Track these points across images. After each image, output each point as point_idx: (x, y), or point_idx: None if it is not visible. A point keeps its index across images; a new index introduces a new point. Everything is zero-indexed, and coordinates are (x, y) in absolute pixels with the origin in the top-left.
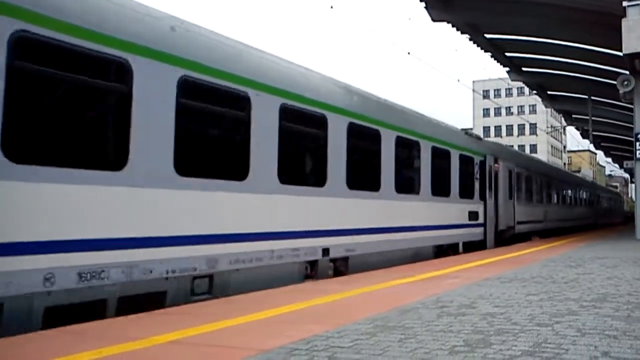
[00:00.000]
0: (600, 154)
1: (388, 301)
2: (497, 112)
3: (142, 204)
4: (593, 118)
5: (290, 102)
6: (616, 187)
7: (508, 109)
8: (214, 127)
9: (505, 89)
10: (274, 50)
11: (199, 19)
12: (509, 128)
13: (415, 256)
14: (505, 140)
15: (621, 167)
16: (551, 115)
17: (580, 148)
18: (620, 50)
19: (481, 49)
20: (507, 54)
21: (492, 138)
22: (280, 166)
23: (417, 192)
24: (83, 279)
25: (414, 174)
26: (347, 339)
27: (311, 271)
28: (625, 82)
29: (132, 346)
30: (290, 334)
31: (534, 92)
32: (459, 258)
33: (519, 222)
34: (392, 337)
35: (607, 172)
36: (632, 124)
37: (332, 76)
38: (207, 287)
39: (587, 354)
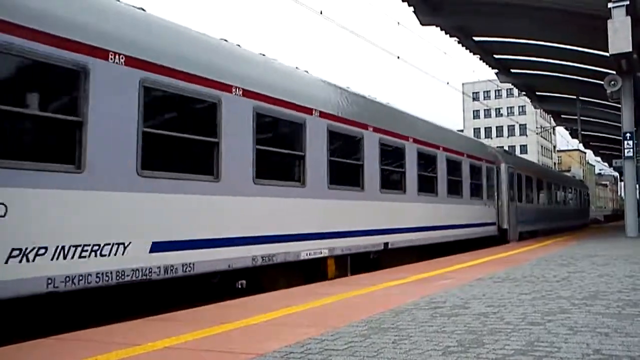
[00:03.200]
0: (589, 153)
1: (382, 303)
2: (487, 114)
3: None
4: (582, 118)
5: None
6: (606, 185)
7: (498, 110)
8: None
9: (495, 91)
10: (266, 54)
11: (190, 21)
12: (499, 129)
13: None
14: (495, 142)
15: (610, 165)
16: (540, 116)
17: (570, 148)
18: (607, 51)
19: (470, 51)
20: (496, 56)
21: (482, 139)
22: None
23: None
24: None
25: None
26: (341, 341)
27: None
28: (613, 82)
29: (129, 352)
30: (286, 337)
31: (523, 93)
32: (453, 259)
33: None
34: (386, 339)
35: (597, 171)
36: (620, 123)
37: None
38: None
39: (579, 351)
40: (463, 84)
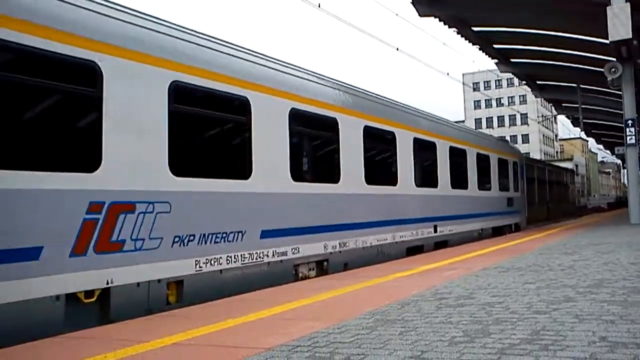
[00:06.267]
0: (591, 141)
1: (387, 295)
2: (488, 104)
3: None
4: (583, 106)
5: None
6: (609, 172)
7: (498, 100)
8: None
9: (495, 81)
10: (264, 49)
11: (187, 19)
12: (501, 119)
13: None
14: (497, 132)
15: (613, 153)
16: (542, 105)
17: (572, 136)
18: (607, 38)
19: (469, 42)
20: (495, 46)
21: (484, 129)
22: None
23: None
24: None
25: None
26: (348, 334)
27: None
28: (613, 69)
29: (137, 349)
30: (292, 331)
31: (523, 82)
32: (458, 249)
33: None
34: (393, 331)
35: (600, 159)
36: (622, 110)
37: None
38: None
39: (586, 339)
40: (463, 75)
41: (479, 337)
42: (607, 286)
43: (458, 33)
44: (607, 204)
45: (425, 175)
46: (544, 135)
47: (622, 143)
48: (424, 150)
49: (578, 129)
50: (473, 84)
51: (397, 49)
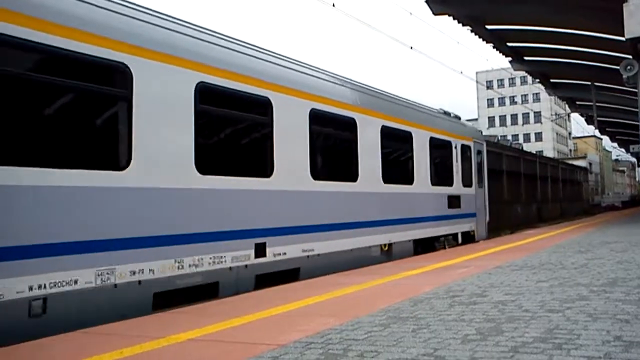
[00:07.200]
0: (606, 139)
1: (400, 292)
2: (501, 102)
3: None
4: (597, 104)
5: None
6: (623, 171)
7: (512, 98)
8: None
9: (509, 79)
10: (277, 47)
11: (199, 16)
12: (514, 117)
13: None
14: (510, 130)
15: (627, 151)
16: (555, 103)
17: (586, 134)
18: (622, 36)
19: (483, 40)
20: (509, 44)
21: (497, 128)
22: None
23: None
24: None
25: None
26: (361, 331)
27: None
28: (629, 67)
29: (153, 345)
30: (306, 328)
31: (537, 80)
32: (470, 247)
33: None
34: (406, 328)
35: (614, 157)
36: (637, 108)
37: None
38: None
39: (599, 338)
40: (477, 73)
41: (492, 335)
42: (621, 285)
43: (472, 31)
44: (622, 203)
45: (237, 158)
46: (557, 134)
47: (637, 141)
48: (234, 111)
49: (592, 127)
50: (486, 82)
51: (411, 48)
